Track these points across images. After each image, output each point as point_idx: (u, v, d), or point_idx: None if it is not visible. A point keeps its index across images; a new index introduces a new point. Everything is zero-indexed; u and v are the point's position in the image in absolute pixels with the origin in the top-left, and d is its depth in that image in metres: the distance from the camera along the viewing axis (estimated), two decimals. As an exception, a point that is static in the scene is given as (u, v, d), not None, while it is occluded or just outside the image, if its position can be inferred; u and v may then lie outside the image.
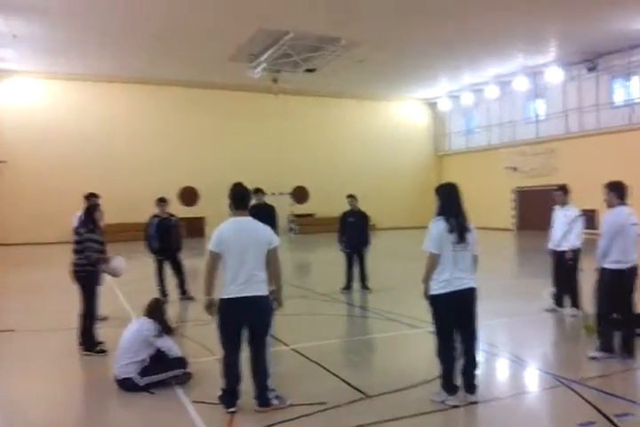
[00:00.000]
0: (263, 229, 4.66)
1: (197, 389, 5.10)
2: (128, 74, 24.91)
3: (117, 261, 6.58)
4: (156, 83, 26.18)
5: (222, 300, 4.54)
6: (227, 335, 4.60)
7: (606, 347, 5.65)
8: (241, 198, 4.75)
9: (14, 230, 23.58)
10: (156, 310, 5.40)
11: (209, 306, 4.62)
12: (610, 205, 5.84)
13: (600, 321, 5.78)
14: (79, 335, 6.44)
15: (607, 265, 5.65)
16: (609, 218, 5.74)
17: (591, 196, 20.92)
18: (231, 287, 4.50)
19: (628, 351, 5.68)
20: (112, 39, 19.77)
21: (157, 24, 18.14)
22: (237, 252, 4.52)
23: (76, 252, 6.48)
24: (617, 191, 5.82)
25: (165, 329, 5.36)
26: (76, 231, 6.55)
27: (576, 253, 7.82)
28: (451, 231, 4.63)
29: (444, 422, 4.47)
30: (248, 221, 4.68)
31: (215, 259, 4.58)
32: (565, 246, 7.82)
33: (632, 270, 5.70)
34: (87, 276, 6.49)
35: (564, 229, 7.85)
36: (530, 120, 27.58)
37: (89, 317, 6.46)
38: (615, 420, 4.17)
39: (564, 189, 8.12)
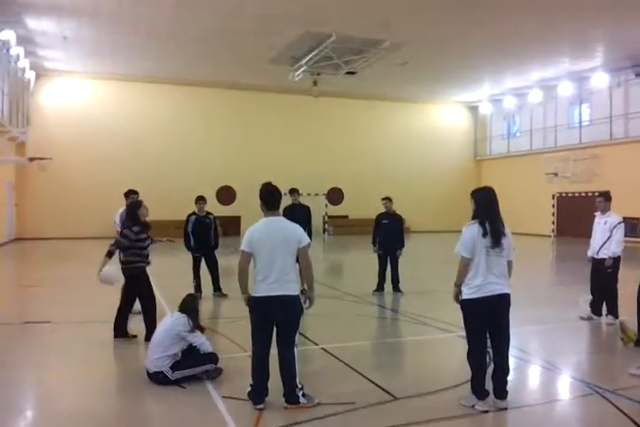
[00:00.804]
0: (293, 229, 4.70)
1: (227, 384, 5.17)
2: (170, 75, 25.38)
3: (107, 272, 6.54)
4: (197, 84, 26.62)
5: (253, 298, 4.65)
6: (256, 332, 4.69)
7: None
8: (271, 198, 4.80)
9: (56, 225, 24.31)
10: (189, 306, 5.50)
11: (248, 303, 4.73)
12: None
13: None
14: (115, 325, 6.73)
15: None
16: None
17: (634, 203, 20.50)
18: (262, 286, 4.59)
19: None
20: (157, 42, 20.18)
21: (201, 27, 18.43)
22: (267, 251, 4.59)
23: (122, 249, 6.68)
24: None
25: (197, 326, 5.45)
26: (122, 231, 6.73)
27: (616, 260, 7.63)
28: (485, 235, 4.58)
29: (472, 427, 4.43)
30: (279, 222, 4.74)
31: (247, 258, 4.67)
32: (605, 254, 7.64)
33: None
34: (131, 273, 6.69)
35: (605, 237, 7.67)
36: (573, 125, 26.98)
37: (125, 310, 6.74)
38: (649, 432, 4.07)
39: (605, 195, 7.93)
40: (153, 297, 6.89)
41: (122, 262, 6.77)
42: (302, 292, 4.79)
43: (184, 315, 5.39)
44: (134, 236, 6.61)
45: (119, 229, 7.83)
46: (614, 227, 7.62)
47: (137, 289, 6.76)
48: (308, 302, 4.78)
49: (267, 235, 4.62)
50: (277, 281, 4.56)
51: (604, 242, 7.66)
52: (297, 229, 4.71)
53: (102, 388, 5.34)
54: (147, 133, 26.40)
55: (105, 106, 25.86)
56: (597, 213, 8.00)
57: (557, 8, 16.43)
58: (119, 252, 6.74)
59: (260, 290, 4.59)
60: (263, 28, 18.48)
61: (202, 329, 5.56)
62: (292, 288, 4.62)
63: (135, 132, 26.18)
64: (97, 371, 5.75)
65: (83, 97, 25.71)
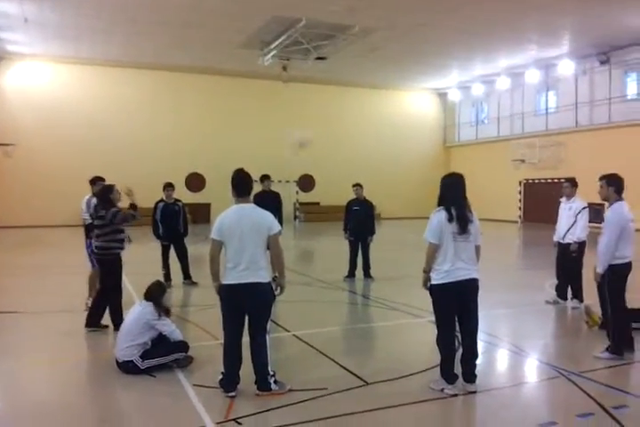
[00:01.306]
0: (263, 216, 4.65)
1: (198, 373, 5.15)
2: (137, 59, 24.86)
3: None
4: (166, 68, 26.15)
5: (224, 285, 4.63)
6: (228, 320, 4.67)
7: (619, 351, 5.50)
8: (242, 185, 4.76)
9: (22, 213, 23.70)
10: (154, 293, 5.42)
11: (219, 291, 4.70)
12: (606, 199, 5.74)
13: (614, 323, 5.61)
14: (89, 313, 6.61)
15: (616, 261, 5.51)
16: (613, 215, 5.58)
17: (599, 190, 20.82)
18: (232, 273, 4.57)
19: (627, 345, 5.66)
20: (122, 26, 19.69)
21: (168, 11, 18.04)
22: (237, 239, 4.56)
23: (98, 236, 6.52)
24: (616, 186, 5.68)
25: (163, 311, 5.38)
26: (97, 215, 6.55)
27: (581, 245, 7.80)
28: (450, 221, 4.62)
29: (441, 411, 4.49)
30: (249, 209, 4.69)
31: (217, 246, 4.65)
32: (570, 239, 7.80)
33: (629, 265, 5.61)
34: (106, 259, 6.57)
35: (570, 222, 7.82)
36: (540, 112, 27.38)
37: (102, 297, 6.60)
38: (612, 412, 4.19)
39: (572, 181, 8.09)
40: (121, 287, 6.77)
41: (98, 248, 6.59)
42: (274, 279, 4.77)
43: (150, 303, 5.32)
44: (107, 221, 6.49)
45: (85, 217, 7.67)
46: (579, 212, 7.77)
47: (115, 276, 6.61)
48: (279, 289, 4.76)
49: (237, 222, 4.58)
50: (248, 269, 4.53)
51: (570, 227, 7.82)
52: (267, 217, 4.67)
53: (70, 378, 5.26)
54: (114, 119, 25.85)
55: (70, 90, 25.20)
56: (563, 199, 8.15)
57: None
58: (93, 238, 6.58)
59: (231, 277, 4.57)
60: (231, 12, 18.19)
61: (168, 312, 5.48)
62: (263, 275, 4.59)
63: (102, 117, 25.60)
64: (65, 361, 5.66)
65: (46, 81, 25.00)
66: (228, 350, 4.66)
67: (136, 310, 5.33)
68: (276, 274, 4.80)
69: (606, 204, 5.78)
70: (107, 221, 6.45)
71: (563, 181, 8.38)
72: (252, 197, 4.90)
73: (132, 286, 8.86)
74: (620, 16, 18.54)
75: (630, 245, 5.59)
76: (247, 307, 4.59)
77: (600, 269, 5.56)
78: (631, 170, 20.17)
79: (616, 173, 5.82)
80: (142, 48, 22.95)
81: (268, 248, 4.69)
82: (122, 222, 6.56)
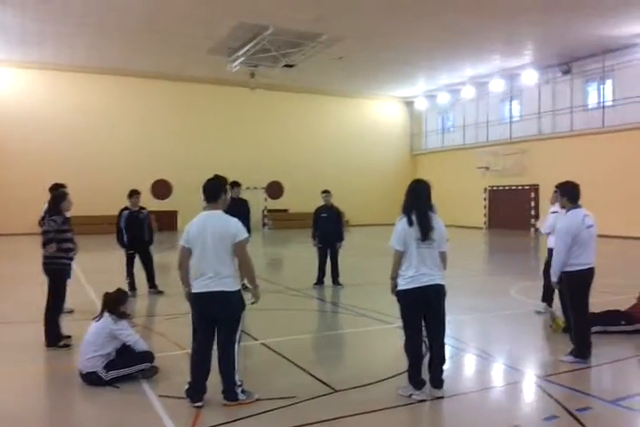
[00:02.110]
0: (228, 224, 4.56)
1: (164, 383, 5.05)
2: (103, 65, 24.52)
3: None
4: (132, 74, 25.83)
5: (192, 294, 4.59)
6: (196, 329, 4.61)
7: (582, 355, 5.60)
8: (210, 192, 4.70)
9: (-19, 221, 23.06)
10: (109, 300, 5.28)
11: (188, 298, 4.68)
12: (563, 207, 5.85)
13: (576, 328, 5.70)
14: (45, 329, 6.31)
15: (569, 268, 5.59)
16: (561, 225, 5.68)
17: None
18: (198, 282, 4.52)
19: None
20: (88, 30, 19.41)
21: (135, 15, 17.87)
22: (202, 246, 4.50)
23: (43, 244, 6.32)
24: (568, 195, 5.77)
25: (120, 314, 5.23)
26: (42, 222, 6.37)
27: (550, 251, 7.93)
28: (411, 225, 4.66)
29: (410, 417, 4.50)
30: (215, 216, 4.61)
31: (185, 253, 4.61)
32: (549, 244, 7.96)
33: (589, 272, 5.69)
34: (56, 269, 6.36)
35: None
36: (504, 121, 27.95)
37: (53, 310, 6.32)
38: (577, 414, 4.26)
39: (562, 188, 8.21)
40: (63, 301, 6.55)
41: (46, 258, 6.36)
42: (244, 287, 4.72)
43: (109, 313, 5.20)
44: (57, 226, 6.26)
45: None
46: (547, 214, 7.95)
47: (63, 287, 6.43)
48: (253, 297, 4.70)
49: (202, 230, 4.52)
50: (213, 277, 4.47)
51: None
52: (232, 224, 4.58)
53: (32, 390, 5.10)
54: (79, 125, 25.38)
55: (32, 96, 24.61)
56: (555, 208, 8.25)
57: (490, 6, 16.91)
58: (41, 247, 6.37)
59: (197, 286, 4.52)
60: (198, 18, 18.11)
61: (126, 316, 5.34)
62: (229, 284, 4.51)
63: (66, 123, 25.11)
64: (27, 372, 5.49)
65: (8, 86, 24.39)
66: (195, 359, 4.59)
67: (99, 321, 5.20)
68: (246, 282, 4.74)
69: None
70: (51, 228, 6.24)
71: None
72: (221, 203, 4.75)
73: (97, 295, 8.66)
74: (581, 27, 19.11)
75: (588, 251, 5.64)
76: (214, 316, 4.53)
77: (554, 278, 5.68)
78: (591, 177, 20.77)
79: (570, 181, 5.89)
80: (108, 53, 22.64)
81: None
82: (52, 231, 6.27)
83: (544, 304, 8.00)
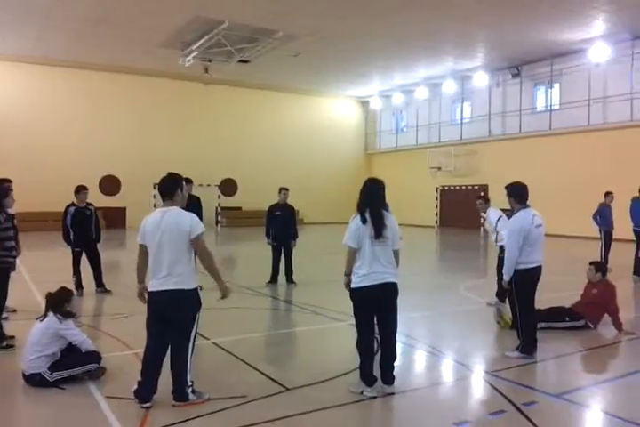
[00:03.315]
0: (183, 219, 4.46)
1: (111, 384, 4.91)
2: (51, 56, 23.73)
3: None
4: (80, 66, 25.10)
5: (148, 292, 4.50)
6: (149, 326, 4.53)
7: (528, 350, 5.74)
8: (165, 190, 4.60)
9: None
10: (53, 300, 5.10)
11: (140, 294, 4.60)
12: (512, 209, 5.98)
13: (523, 324, 5.84)
14: None
15: (519, 266, 5.71)
16: (512, 224, 5.83)
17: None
18: (154, 280, 4.43)
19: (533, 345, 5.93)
20: (35, 19, 18.72)
21: (85, 5, 17.34)
22: (157, 244, 4.41)
23: None
24: (516, 196, 5.91)
25: (65, 313, 5.07)
26: None
27: (502, 248, 8.15)
28: (365, 223, 4.69)
29: (361, 414, 4.52)
30: (169, 212, 4.50)
31: (142, 250, 4.54)
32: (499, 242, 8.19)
33: (537, 270, 5.83)
34: (3, 269, 6.09)
35: (495, 233, 8.19)
36: (455, 122, 28.50)
37: None
38: (523, 408, 4.37)
39: (483, 198, 8.59)
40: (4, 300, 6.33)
41: None
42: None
43: (54, 312, 5.03)
44: (0, 225, 6.00)
45: None
46: (496, 224, 8.15)
47: (6, 286, 6.17)
48: (221, 293, 4.61)
49: (157, 226, 4.42)
50: (168, 275, 4.37)
51: (496, 237, 8.17)
52: (187, 219, 4.47)
53: (-31, 394, 4.88)
54: (24, 118, 24.46)
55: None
56: (482, 215, 8.52)
57: (443, 8, 17.20)
58: None
59: (152, 284, 4.43)
60: (150, 10, 17.74)
61: (71, 315, 5.16)
62: (186, 282, 4.42)
63: (11, 115, 24.16)
64: (-38, 376, 5.25)
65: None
66: (146, 357, 4.51)
67: (44, 320, 5.02)
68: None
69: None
70: None
71: (477, 187, 8.78)
72: (178, 201, 4.62)
73: (41, 294, 8.36)
74: (531, 32, 19.68)
75: (537, 250, 5.80)
76: (169, 315, 4.44)
77: (506, 277, 5.81)
78: (539, 177, 21.41)
79: (517, 181, 6.04)
80: (56, 44, 21.94)
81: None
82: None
83: (496, 299, 8.21)
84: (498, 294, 8.27)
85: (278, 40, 20.51)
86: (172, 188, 4.60)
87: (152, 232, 4.42)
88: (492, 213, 8.34)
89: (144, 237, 4.49)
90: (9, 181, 7.72)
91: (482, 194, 8.89)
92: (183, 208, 4.62)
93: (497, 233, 8.13)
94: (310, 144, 31.59)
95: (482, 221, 8.77)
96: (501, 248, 8.17)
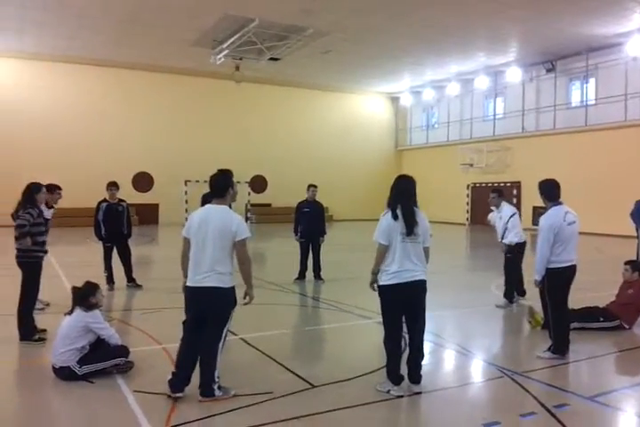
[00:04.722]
0: (230, 220, 4.48)
1: (139, 378, 4.96)
2: (85, 55, 24.11)
3: None
4: (114, 65, 25.48)
5: (186, 287, 4.54)
6: (186, 321, 4.61)
7: (560, 351, 5.60)
8: (217, 187, 4.62)
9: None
10: (78, 295, 5.15)
11: (184, 288, 4.62)
12: (546, 206, 5.82)
13: (555, 324, 5.70)
14: (18, 323, 6.17)
15: (551, 266, 5.57)
16: (543, 222, 5.65)
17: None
18: (193, 275, 4.48)
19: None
20: (70, 20, 19.07)
21: (118, 5, 17.58)
22: (201, 239, 4.45)
23: (17, 237, 6.14)
24: (547, 193, 5.76)
25: (90, 307, 5.10)
26: (16, 215, 6.19)
27: (511, 247, 8.03)
28: (396, 219, 4.63)
29: (387, 412, 4.46)
30: (218, 210, 4.53)
31: (186, 244, 4.58)
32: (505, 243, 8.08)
33: (570, 269, 5.67)
34: (29, 262, 6.20)
35: (503, 229, 8.06)
36: (488, 118, 28.06)
37: (26, 304, 6.18)
38: (554, 411, 4.25)
39: (498, 191, 8.44)
40: (37, 294, 6.44)
41: (20, 251, 6.18)
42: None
43: (80, 307, 5.09)
44: (32, 219, 6.09)
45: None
46: (508, 220, 8.05)
47: (38, 281, 6.29)
48: (247, 297, 4.65)
49: (203, 223, 4.46)
50: (208, 271, 4.42)
51: (503, 233, 8.10)
52: (235, 221, 4.49)
53: (5, 385, 5.00)
54: (59, 117, 24.98)
55: (12, 87, 24.14)
56: (493, 208, 8.40)
57: (475, 3, 16.91)
58: (14, 240, 6.16)
59: (191, 280, 4.48)
60: (182, 9, 17.90)
61: (96, 306, 5.18)
62: (224, 280, 4.45)
63: (47, 115, 24.69)
64: (-2, 368, 5.38)
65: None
66: (182, 349, 4.58)
67: (73, 314, 5.09)
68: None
69: None
70: (27, 222, 6.07)
71: (509, 185, 8.65)
72: (229, 199, 4.65)
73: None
74: (566, 26, 19.22)
75: (570, 248, 5.62)
76: (205, 311, 4.49)
77: (537, 277, 5.66)
78: (574, 174, 20.94)
79: (548, 178, 5.88)
80: (90, 44, 22.28)
81: None
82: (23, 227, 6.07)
83: (505, 300, 8.08)
84: (506, 295, 8.14)
85: (308, 37, 20.47)
86: (223, 186, 4.63)
87: (198, 228, 4.46)
88: (507, 209, 8.23)
89: (189, 231, 4.52)
90: (59, 187, 7.92)
91: (498, 188, 8.73)
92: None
93: (506, 230, 7.99)
94: (340, 141, 31.50)
95: (488, 216, 8.59)
96: (508, 248, 8.05)
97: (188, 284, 4.51)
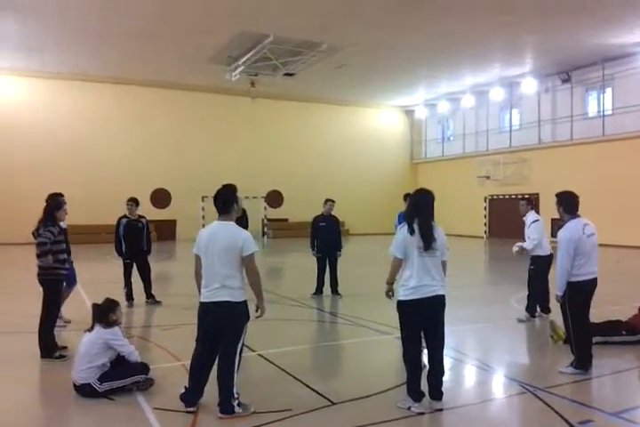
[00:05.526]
0: (236, 236, 4.53)
1: (159, 396, 4.97)
2: (103, 73, 24.60)
3: None
4: (131, 82, 25.91)
5: (199, 302, 4.59)
6: (199, 337, 4.64)
7: (583, 366, 5.52)
8: (221, 202, 4.66)
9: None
10: (97, 312, 5.19)
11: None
12: (562, 218, 5.77)
13: (576, 339, 5.63)
14: (39, 340, 6.23)
15: (573, 279, 5.50)
16: (562, 235, 5.58)
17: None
18: (205, 291, 4.53)
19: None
20: (88, 38, 19.50)
21: (135, 24, 17.94)
22: (210, 256, 4.51)
23: (38, 255, 6.21)
24: (566, 205, 5.70)
25: (110, 324, 5.14)
26: (37, 233, 6.28)
27: (536, 259, 7.95)
28: (412, 234, 4.62)
29: (408, 430, 4.42)
30: (225, 226, 4.59)
31: (197, 261, 4.65)
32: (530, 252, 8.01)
33: (592, 282, 5.60)
34: (50, 279, 6.28)
35: (526, 234, 8.02)
36: (504, 130, 27.96)
37: (48, 321, 6.24)
38: (578, 427, 4.18)
39: (528, 200, 8.50)
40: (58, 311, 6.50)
41: (42, 269, 6.25)
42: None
43: (100, 323, 5.13)
44: (53, 237, 6.17)
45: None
46: (529, 226, 7.99)
47: (59, 298, 6.35)
48: (259, 311, 4.66)
49: (212, 239, 4.52)
50: (220, 287, 4.46)
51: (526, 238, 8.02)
52: (242, 237, 4.53)
53: (25, 402, 5.03)
54: (79, 134, 25.42)
55: (33, 105, 24.65)
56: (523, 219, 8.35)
57: (489, 14, 16.95)
58: (36, 257, 6.24)
59: (204, 295, 4.53)
60: (198, 26, 18.19)
61: (116, 323, 5.20)
62: (235, 295, 4.48)
63: (66, 132, 25.13)
64: (19, 384, 5.42)
65: (8, 95, 24.43)
66: (195, 363, 4.61)
67: (92, 331, 5.13)
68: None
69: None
70: (48, 240, 6.13)
71: (520, 200, 8.64)
72: (234, 214, 4.68)
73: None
74: (581, 36, 19.17)
75: (591, 261, 5.56)
76: (218, 326, 4.51)
77: (558, 291, 5.59)
78: (592, 185, 20.74)
79: (567, 190, 5.84)
80: (108, 61, 22.73)
81: None
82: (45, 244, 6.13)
83: (527, 314, 7.97)
84: (528, 309, 8.03)
85: (322, 52, 20.65)
86: (228, 202, 4.66)
87: (207, 245, 4.52)
88: (532, 216, 8.15)
89: (199, 248, 4.60)
90: (61, 195, 7.94)
91: (527, 197, 8.71)
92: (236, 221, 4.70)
93: (529, 238, 7.91)
94: (355, 155, 31.56)
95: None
96: (532, 259, 7.96)
97: (200, 300, 4.57)
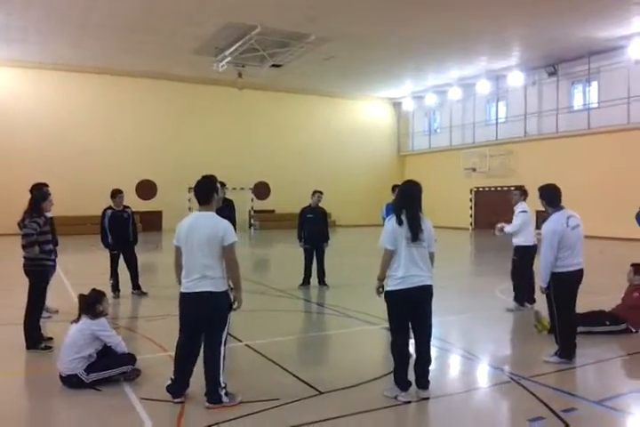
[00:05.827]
0: (217, 226, 4.52)
1: (146, 386, 4.96)
2: (88, 63, 24.30)
3: None
4: (117, 73, 25.63)
5: (180, 293, 4.57)
6: (181, 327, 4.62)
7: (567, 355, 5.59)
8: (202, 194, 4.65)
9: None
10: (84, 303, 5.17)
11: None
12: (546, 211, 5.82)
13: (561, 328, 5.69)
14: (24, 331, 6.19)
15: (558, 270, 5.55)
16: (546, 228, 5.63)
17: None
18: (185, 282, 4.52)
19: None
20: (72, 29, 19.22)
21: (120, 13, 17.71)
22: (190, 247, 4.50)
23: (24, 246, 6.15)
24: (548, 199, 5.75)
25: (97, 315, 5.11)
26: (23, 224, 6.21)
27: (519, 250, 8.06)
28: (400, 224, 4.64)
29: (395, 418, 4.45)
30: (205, 217, 4.58)
31: (178, 252, 4.62)
32: (514, 242, 8.08)
33: (577, 273, 5.66)
34: (37, 270, 6.23)
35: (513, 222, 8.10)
36: (490, 122, 28.09)
37: (33, 312, 6.19)
38: (562, 415, 4.24)
39: (520, 189, 8.43)
40: (44, 302, 6.46)
41: (28, 260, 6.20)
42: (231, 288, 4.65)
43: (86, 314, 5.11)
44: (39, 228, 6.11)
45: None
46: (517, 213, 8.10)
47: (45, 290, 6.31)
48: (236, 302, 4.64)
49: (192, 230, 4.50)
50: (201, 277, 4.44)
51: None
52: (222, 227, 4.52)
53: (10, 393, 5.00)
54: (63, 124, 25.10)
55: (16, 95, 24.31)
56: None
57: (476, 7, 16.97)
58: (22, 248, 6.18)
59: (184, 286, 4.52)
60: (184, 17, 18.00)
61: (102, 314, 5.19)
62: (217, 285, 4.47)
63: (50, 122, 24.81)
64: (5, 376, 5.39)
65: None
66: (179, 354, 4.60)
67: (79, 322, 5.11)
68: (231, 285, 4.68)
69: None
70: (34, 230, 6.07)
71: (512, 189, 8.64)
72: (214, 204, 4.67)
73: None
74: (567, 29, 19.26)
75: (576, 252, 5.61)
76: (200, 316, 4.49)
77: (542, 283, 5.65)
78: (577, 178, 20.94)
79: (549, 184, 5.89)
80: (92, 52, 22.44)
81: None
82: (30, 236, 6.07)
83: (516, 303, 8.07)
84: (516, 299, 8.13)
85: (311, 44, 20.56)
86: (207, 192, 4.66)
87: (187, 235, 4.51)
88: (520, 207, 8.21)
89: (179, 239, 4.58)
90: (46, 185, 7.85)
91: (522, 186, 8.73)
92: (217, 211, 4.68)
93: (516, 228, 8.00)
94: (343, 146, 31.56)
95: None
96: (515, 249, 8.07)
97: (181, 290, 4.55)
